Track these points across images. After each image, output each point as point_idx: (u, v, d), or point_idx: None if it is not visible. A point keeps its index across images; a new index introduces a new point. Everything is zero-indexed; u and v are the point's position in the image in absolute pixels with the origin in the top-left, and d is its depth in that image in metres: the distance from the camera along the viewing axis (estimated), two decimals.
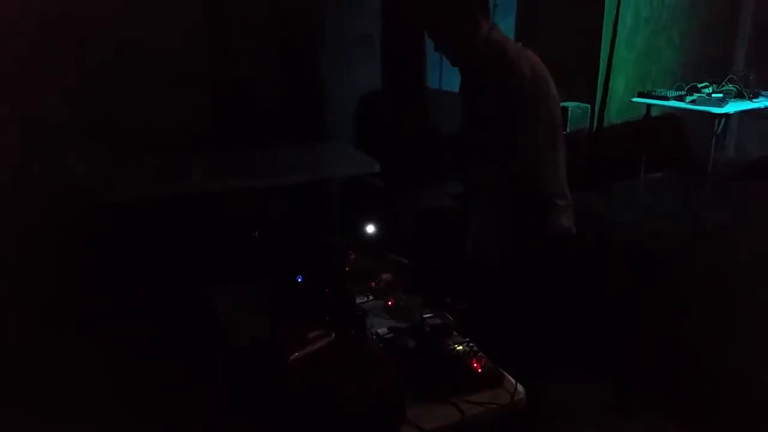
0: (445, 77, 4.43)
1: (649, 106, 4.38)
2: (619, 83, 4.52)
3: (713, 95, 4.19)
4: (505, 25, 4.49)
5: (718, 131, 4.17)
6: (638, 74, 4.65)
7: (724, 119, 4.18)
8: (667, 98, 4.28)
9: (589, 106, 4.36)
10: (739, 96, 4.26)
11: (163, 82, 3.33)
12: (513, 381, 1.55)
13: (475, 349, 1.62)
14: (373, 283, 2.04)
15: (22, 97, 2.98)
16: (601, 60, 4.38)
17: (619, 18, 4.33)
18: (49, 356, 2.43)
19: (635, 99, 4.44)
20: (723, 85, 4.35)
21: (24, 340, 2.51)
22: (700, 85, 4.37)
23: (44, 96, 3.04)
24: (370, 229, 2.31)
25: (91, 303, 2.63)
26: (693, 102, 4.18)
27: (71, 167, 3.02)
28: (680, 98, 4.25)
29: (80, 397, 2.24)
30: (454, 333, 1.72)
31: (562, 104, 4.37)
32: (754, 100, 4.25)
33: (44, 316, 2.61)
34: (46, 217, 2.81)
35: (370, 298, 1.97)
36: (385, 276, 2.06)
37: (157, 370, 2.33)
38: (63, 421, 2.13)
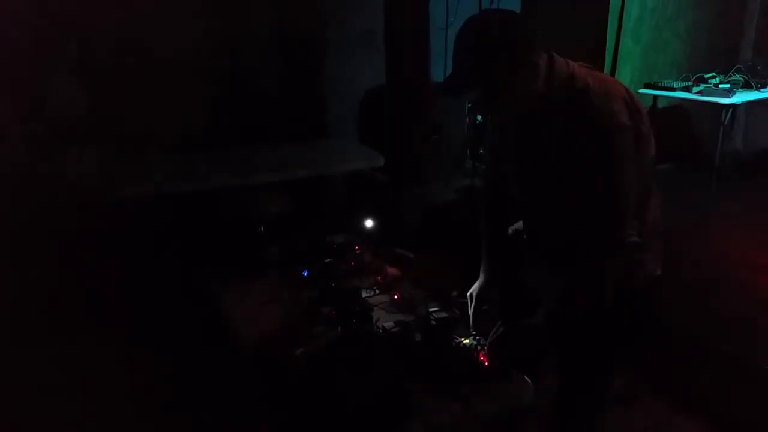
0: (449, 72, 4.40)
1: (655, 97, 4.35)
2: (625, 75, 4.48)
3: (720, 86, 4.15)
4: None
5: (726, 122, 4.13)
6: (644, 65, 4.61)
7: (731, 110, 4.14)
8: (673, 89, 4.24)
9: None
10: (747, 86, 4.22)
11: (166, 80, 3.33)
12: (520, 374, 1.55)
13: (481, 342, 1.62)
14: (379, 277, 2.04)
15: (24, 96, 2.99)
16: (606, 51, 4.34)
17: (625, 9, 4.29)
18: (54, 354, 2.45)
19: (641, 90, 4.40)
20: (730, 76, 4.31)
21: (29, 339, 2.53)
22: (707, 76, 4.33)
23: (46, 95, 3.06)
24: (376, 223, 2.31)
25: (98, 301, 2.65)
26: (700, 93, 4.14)
27: (79, 167, 3.03)
28: (687, 89, 4.21)
29: (86, 396, 2.25)
30: (461, 326, 1.72)
31: None
32: (761, 89, 4.21)
33: (48, 315, 2.63)
34: (52, 216, 2.82)
35: (377, 292, 1.97)
36: (391, 270, 2.06)
37: (162, 367, 2.34)
38: (66, 421, 2.15)
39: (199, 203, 3.02)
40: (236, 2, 3.60)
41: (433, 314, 1.76)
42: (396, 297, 1.92)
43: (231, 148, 3.52)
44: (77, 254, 2.72)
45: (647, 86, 4.39)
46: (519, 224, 1.91)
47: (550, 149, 1.45)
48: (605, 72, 4.34)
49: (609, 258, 1.43)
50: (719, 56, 4.72)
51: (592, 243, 1.43)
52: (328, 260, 2.09)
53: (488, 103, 1.50)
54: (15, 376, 2.33)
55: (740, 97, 4.05)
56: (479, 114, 4.10)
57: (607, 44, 4.34)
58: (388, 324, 1.74)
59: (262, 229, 2.21)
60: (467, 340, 1.63)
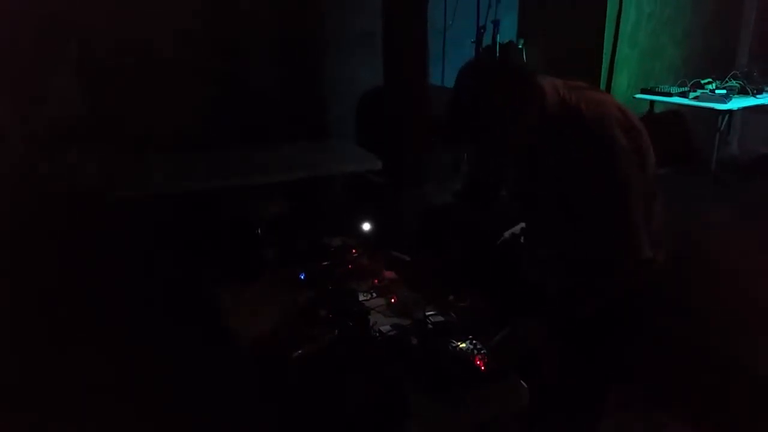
0: (448, 74, 4.42)
1: (652, 102, 4.37)
2: (621, 80, 4.50)
3: (717, 91, 4.18)
4: (508, 21, 4.48)
5: (722, 127, 4.15)
6: (641, 71, 4.63)
7: (727, 115, 4.17)
8: (670, 95, 4.26)
9: None
10: (743, 92, 4.25)
11: (163, 80, 3.33)
12: (516, 378, 1.55)
13: (478, 346, 1.62)
14: (375, 281, 2.04)
15: (23, 96, 2.98)
16: (603, 56, 4.36)
17: (622, 14, 4.31)
18: (52, 356, 2.44)
19: (638, 96, 4.42)
20: (726, 81, 4.34)
21: (28, 340, 2.52)
22: (703, 82, 4.35)
23: (45, 95, 3.05)
24: (373, 225, 2.31)
25: (95, 301, 2.64)
26: (696, 98, 4.16)
27: (77, 167, 3.03)
28: (683, 95, 4.23)
29: (84, 397, 2.25)
30: (458, 330, 1.72)
31: None
32: (757, 96, 4.23)
33: (46, 316, 2.62)
34: (48, 216, 2.82)
35: (373, 295, 1.97)
36: (388, 273, 2.06)
37: (159, 369, 2.34)
38: (66, 422, 2.14)
39: (196, 204, 3.02)
40: (235, 2, 3.61)
41: (430, 318, 1.76)
42: (393, 300, 1.92)
43: (228, 149, 3.51)
44: (75, 254, 2.71)
45: (644, 91, 4.41)
46: (516, 228, 1.91)
47: (551, 178, 1.46)
48: (602, 76, 4.39)
49: (626, 275, 1.45)
50: (716, 62, 4.75)
51: (609, 262, 1.43)
52: (326, 263, 2.09)
53: (487, 147, 1.53)
54: (14, 376, 2.33)
55: (736, 103, 4.08)
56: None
57: (605, 49, 4.36)
58: (385, 327, 1.74)
59: (259, 231, 2.20)
60: (464, 344, 1.63)
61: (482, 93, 1.38)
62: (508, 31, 4.49)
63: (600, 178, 1.37)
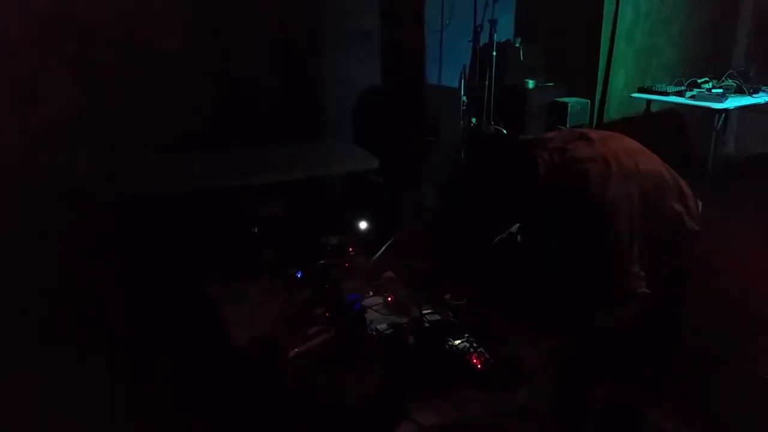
0: (445, 73, 4.42)
1: (648, 101, 4.37)
2: (618, 79, 4.51)
3: (713, 90, 4.18)
4: (505, 20, 4.49)
5: (718, 127, 4.16)
6: (638, 69, 4.64)
7: (723, 115, 4.17)
8: (666, 94, 4.27)
9: (588, 101, 4.35)
10: (739, 91, 4.26)
11: (160, 80, 3.32)
12: (512, 377, 1.55)
13: (474, 345, 1.62)
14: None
15: (21, 95, 2.98)
16: (600, 55, 4.36)
17: (619, 13, 4.32)
18: (49, 356, 2.44)
19: (635, 94, 4.43)
20: (723, 81, 4.35)
21: (25, 341, 2.52)
22: (699, 81, 4.35)
23: (42, 94, 3.04)
24: (370, 225, 2.31)
25: (91, 302, 2.64)
26: (693, 97, 4.17)
27: (71, 166, 3.02)
28: (680, 94, 4.24)
29: (80, 397, 2.25)
30: (454, 329, 1.72)
31: (561, 100, 4.37)
32: (753, 95, 4.24)
33: (46, 315, 2.62)
34: (44, 216, 2.81)
35: (370, 294, 1.97)
36: (385, 272, 2.06)
37: (156, 369, 2.34)
38: (62, 422, 2.14)
39: (193, 204, 3.01)
40: (232, 1, 3.60)
41: (426, 317, 1.76)
42: (389, 299, 1.92)
43: (226, 149, 3.51)
44: (73, 254, 2.71)
45: (641, 90, 4.42)
46: (513, 227, 1.92)
47: (548, 226, 1.59)
48: (599, 75, 4.39)
49: (620, 309, 1.54)
50: (712, 61, 4.76)
51: (603, 300, 1.53)
52: (322, 262, 2.10)
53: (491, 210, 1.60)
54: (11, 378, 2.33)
55: (732, 102, 4.08)
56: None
57: (602, 47, 4.37)
58: (382, 326, 1.74)
59: (255, 230, 2.21)
60: (460, 343, 1.63)
61: (490, 170, 1.55)
62: (505, 31, 4.49)
63: (586, 228, 1.49)
